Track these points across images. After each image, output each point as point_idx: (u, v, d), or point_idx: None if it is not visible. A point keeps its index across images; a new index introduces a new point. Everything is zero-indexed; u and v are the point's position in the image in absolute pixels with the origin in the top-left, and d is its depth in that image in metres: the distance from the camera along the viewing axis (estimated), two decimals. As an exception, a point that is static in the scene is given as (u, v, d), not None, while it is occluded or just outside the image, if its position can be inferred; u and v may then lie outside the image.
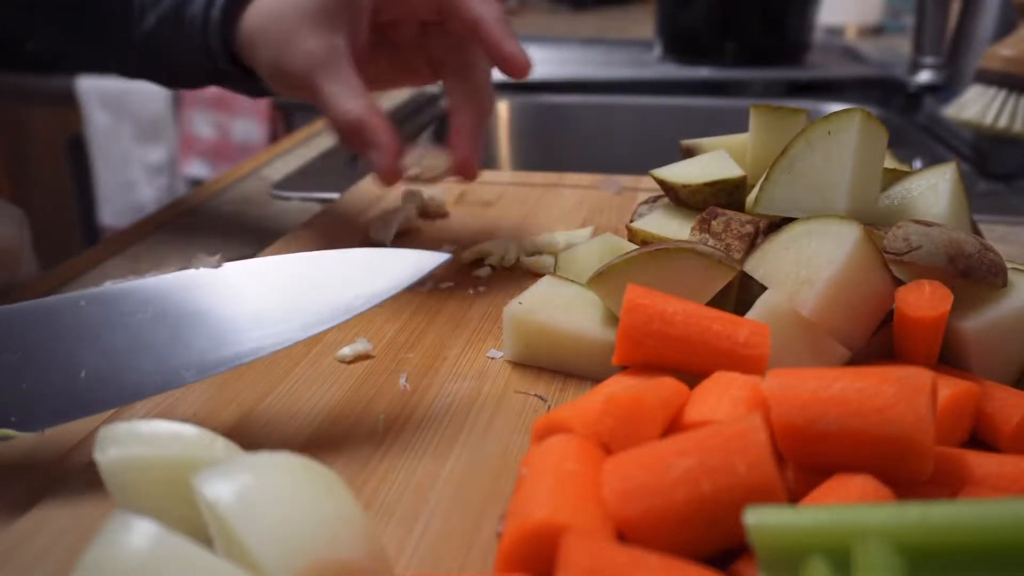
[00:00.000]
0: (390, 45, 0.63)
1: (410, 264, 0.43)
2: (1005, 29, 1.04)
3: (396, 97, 1.29)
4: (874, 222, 0.47)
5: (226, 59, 0.61)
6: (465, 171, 0.60)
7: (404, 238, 0.68)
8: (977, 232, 0.51)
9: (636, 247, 0.53)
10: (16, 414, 0.38)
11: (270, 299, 0.41)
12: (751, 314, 0.42)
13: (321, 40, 0.55)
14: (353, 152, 0.60)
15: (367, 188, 0.81)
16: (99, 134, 2.26)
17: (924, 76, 1.22)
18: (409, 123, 1.14)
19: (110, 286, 0.42)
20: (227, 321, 0.41)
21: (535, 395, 0.45)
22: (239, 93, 0.70)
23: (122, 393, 0.39)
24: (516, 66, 0.56)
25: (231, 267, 0.42)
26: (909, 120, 1.18)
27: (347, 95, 0.55)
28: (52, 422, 0.38)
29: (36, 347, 0.39)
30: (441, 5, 0.57)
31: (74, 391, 0.39)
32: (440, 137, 1.29)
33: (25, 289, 0.63)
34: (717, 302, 0.46)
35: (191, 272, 0.42)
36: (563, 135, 1.36)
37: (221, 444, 0.34)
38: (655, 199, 0.61)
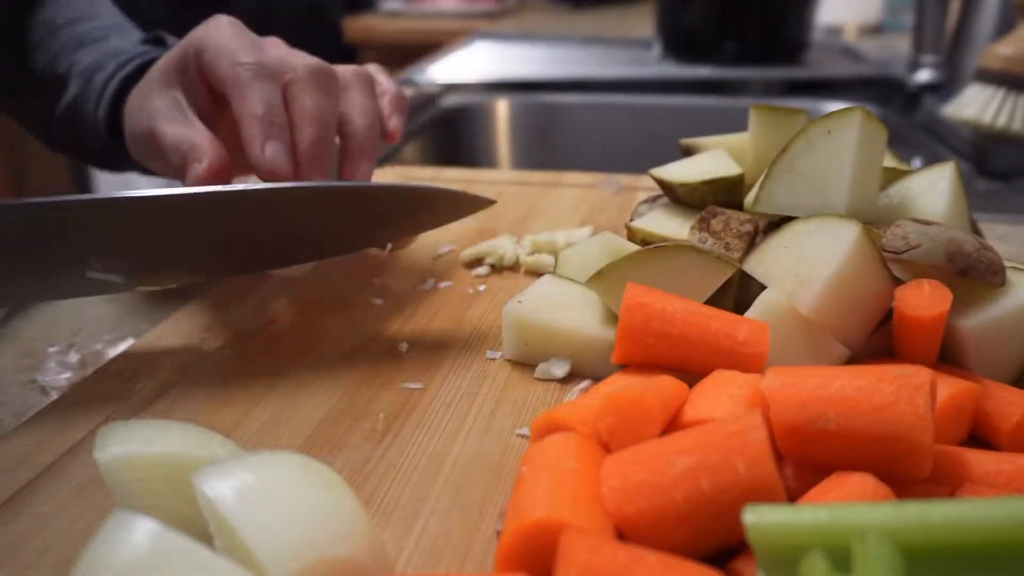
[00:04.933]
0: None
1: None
2: (1004, 28, 1.04)
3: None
4: (873, 221, 0.47)
5: (107, 130, 0.62)
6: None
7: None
8: (976, 231, 0.51)
9: (636, 246, 0.53)
10: None
11: None
12: (750, 313, 0.42)
13: (163, 96, 0.56)
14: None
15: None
16: (98, 134, 2.25)
17: (923, 75, 1.22)
18: (409, 120, 1.15)
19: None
20: None
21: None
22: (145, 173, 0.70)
23: None
24: (262, 170, 0.52)
25: None
26: (908, 119, 1.18)
27: (178, 132, 0.54)
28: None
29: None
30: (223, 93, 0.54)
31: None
32: (441, 131, 1.29)
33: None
34: (716, 300, 0.46)
35: None
36: (563, 134, 1.37)
37: (221, 443, 0.34)
38: (654, 198, 0.61)
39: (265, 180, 0.51)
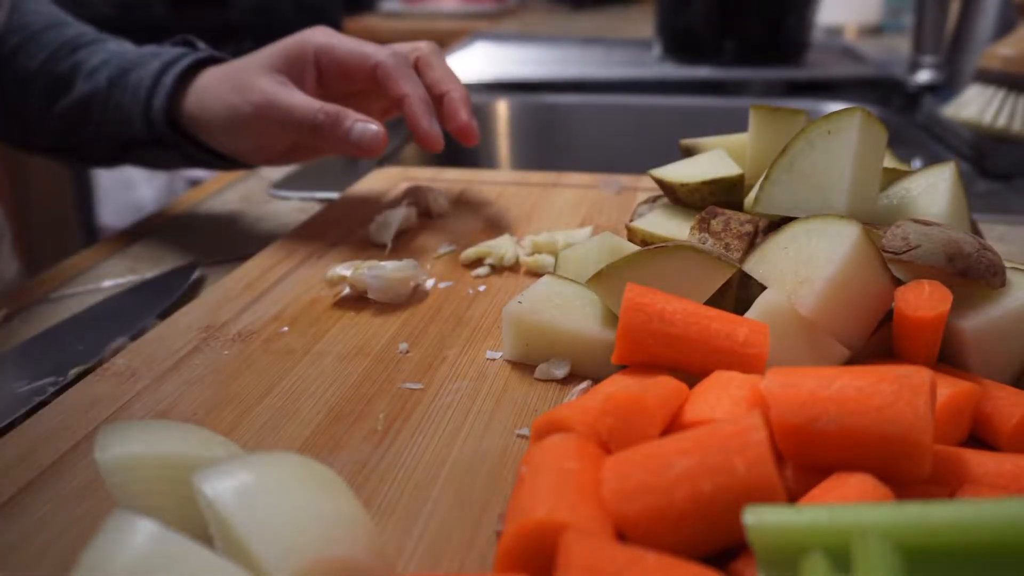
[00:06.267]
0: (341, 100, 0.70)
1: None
2: (1004, 29, 1.04)
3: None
4: (873, 221, 0.47)
5: (165, 121, 0.67)
6: (467, 136, 0.66)
7: (404, 237, 0.68)
8: (976, 231, 0.51)
9: (636, 246, 0.53)
10: None
11: None
12: (750, 313, 0.42)
13: (273, 79, 0.64)
14: (349, 154, 0.65)
15: (367, 187, 0.81)
16: (98, 134, 2.25)
17: (923, 75, 1.22)
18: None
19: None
20: None
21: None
22: (153, 167, 0.78)
23: None
24: (429, 142, 0.65)
25: None
26: (908, 119, 1.18)
27: (306, 100, 0.63)
28: None
29: None
30: (376, 80, 0.66)
31: None
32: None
33: (23, 290, 0.63)
34: (716, 301, 0.46)
35: None
36: (563, 135, 1.37)
37: (221, 443, 0.34)
38: (654, 199, 0.61)
39: (423, 148, 0.65)
